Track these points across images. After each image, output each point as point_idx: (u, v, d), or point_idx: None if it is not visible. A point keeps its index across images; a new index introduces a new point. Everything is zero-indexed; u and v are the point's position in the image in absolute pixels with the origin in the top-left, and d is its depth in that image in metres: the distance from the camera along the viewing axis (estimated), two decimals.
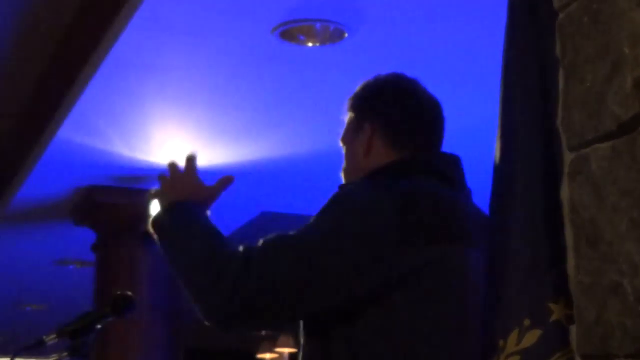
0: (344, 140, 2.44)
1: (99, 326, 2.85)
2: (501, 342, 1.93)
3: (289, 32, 4.60)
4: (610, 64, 1.45)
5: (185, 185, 2.46)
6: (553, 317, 1.85)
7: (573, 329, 1.56)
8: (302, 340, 2.25)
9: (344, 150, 2.44)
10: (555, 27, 1.62)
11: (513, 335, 1.90)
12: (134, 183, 6.93)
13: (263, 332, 5.48)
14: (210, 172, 7.04)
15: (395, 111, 2.38)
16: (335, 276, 2.13)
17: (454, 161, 2.37)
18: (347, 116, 2.45)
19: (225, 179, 2.50)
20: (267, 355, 11.61)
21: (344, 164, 2.44)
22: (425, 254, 2.15)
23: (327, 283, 2.13)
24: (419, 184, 2.26)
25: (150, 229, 2.36)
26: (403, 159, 2.33)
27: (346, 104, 2.47)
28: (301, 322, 2.25)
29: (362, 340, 2.15)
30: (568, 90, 1.56)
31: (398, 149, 2.35)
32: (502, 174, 2.03)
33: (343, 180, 2.42)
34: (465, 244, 2.23)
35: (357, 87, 2.48)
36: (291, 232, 2.19)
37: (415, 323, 2.15)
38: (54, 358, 2.89)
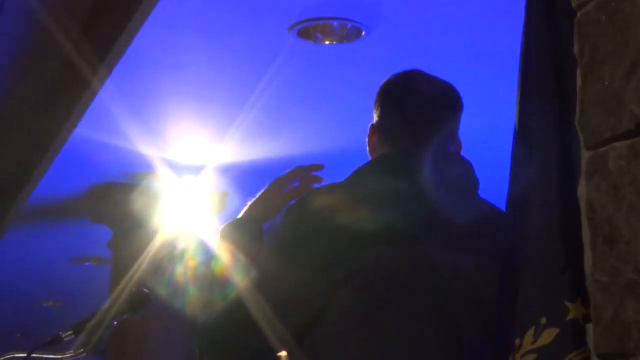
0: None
1: (114, 323, 2.86)
2: (517, 341, 1.92)
3: (306, 30, 4.61)
4: (629, 63, 1.45)
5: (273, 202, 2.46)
6: (570, 316, 1.85)
7: (590, 328, 1.56)
8: None
9: None
10: (573, 26, 1.61)
11: (529, 334, 1.90)
12: (150, 180, 6.94)
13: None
14: (226, 168, 7.07)
15: (386, 110, 2.35)
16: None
17: (433, 157, 2.27)
18: None
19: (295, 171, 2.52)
20: None
21: None
22: (359, 257, 2.10)
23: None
24: (360, 182, 2.24)
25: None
26: (372, 159, 2.34)
27: None
28: None
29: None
30: (586, 89, 1.56)
31: (386, 145, 2.33)
32: (518, 174, 2.03)
33: None
34: (430, 242, 2.15)
35: None
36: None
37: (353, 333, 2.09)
38: (71, 354, 2.90)
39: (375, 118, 2.37)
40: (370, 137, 2.37)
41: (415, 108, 2.33)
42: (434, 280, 2.11)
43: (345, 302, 2.08)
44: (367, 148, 2.39)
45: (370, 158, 2.37)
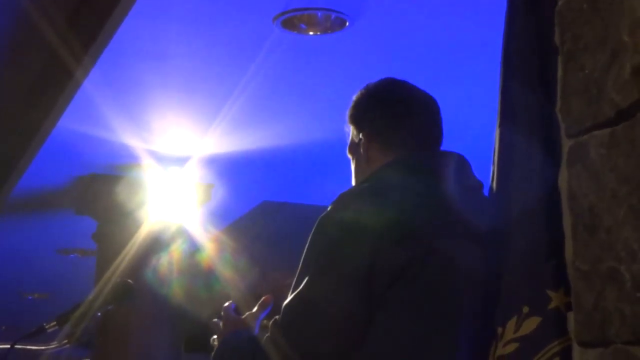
0: (350, 152, 2.47)
1: (99, 314, 2.86)
2: (500, 330, 1.93)
3: (291, 20, 4.60)
4: (610, 52, 1.45)
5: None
6: (552, 305, 1.86)
7: (571, 316, 1.56)
8: None
9: (352, 163, 2.46)
10: (555, 14, 1.61)
11: (511, 323, 1.91)
12: (135, 171, 6.93)
13: (264, 321, 5.46)
14: (211, 160, 7.05)
15: (382, 117, 2.40)
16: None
17: (446, 158, 2.35)
18: (349, 129, 2.48)
19: (262, 302, 2.50)
20: None
21: (353, 176, 2.45)
22: (405, 253, 2.12)
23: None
24: (390, 184, 2.26)
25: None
26: (387, 162, 2.35)
27: (346, 118, 2.49)
28: None
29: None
30: (567, 78, 1.56)
31: (392, 153, 2.36)
32: (500, 163, 2.03)
33: None
34: (453, 240, 2.18)
35: (353, 99, 2.50)
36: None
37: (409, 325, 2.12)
38: (55, 345, 2.90)
39: (368, 128, 2.40)
40: (367, 145, 2.39)
41: (417, 115, 2.40)
42: (464, 280, 2.15)
43: (396, 306, 2.11)
44: (361, 157, 2.40)
45: (365, 166, 2.38)
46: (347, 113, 2.47)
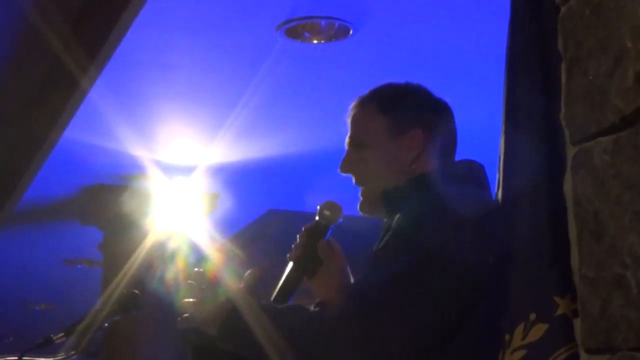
0: (370, 141, 2.42)
1: (106, 324, 2.86)
2: (507, 337, 1.93)
3: (294, 29, 4.61)
4: (613, 58, 1.45)
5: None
6: (559, 312, 1.85)
7: (578, 323, 1.56)
8: None
9: (361, 151, 2.42)
10: (558, 21, 1.62)
11: (519, 330, 1.90)
12: (140, 181, 6.94)
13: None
14: (217, 169, 7.05)
15: (440, 120, 2.43)
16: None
17: (483, 168, 2.40)
18: (361, 116, 2.44)
19: (252, 273, 2.41)
20: None
21: (364, 166, 2.41)
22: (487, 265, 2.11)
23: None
24: (474, 193, 2.28)
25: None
26: (450, 167, 2.38)
27: (362, 103, 2.45)
28: None
29: None
30: (570, 85, 1.57)
31: (439, 157, 2.39)
32: (505, 170, 2.03)
33: (362, 183, 2.41)
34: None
35: (378, 89, 2.47)
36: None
37: None
38: (62, 356, 2.90)
39: (421, 127, 2.39)
40: (422, 143, 2.38)
41: (452, 122, 2.46)
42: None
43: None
44: (403, 152, 2.38)
45: (409, 162, 2.37)
46: (379, 102, 2.43)
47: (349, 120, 2.48)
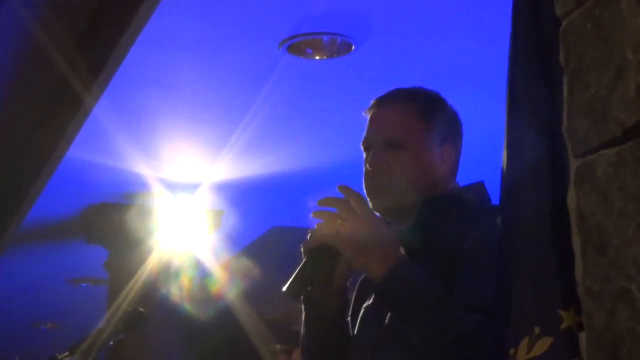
0: (410, 144, 2.37)
1: (111, 343, 2.86)
2: (512, 351, 1.92)
3: (297, 46, 4.62)
4: (614, 70, 1.45)
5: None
6: (564, 325, 1.84)
7: (583, 336, 1.56)
8: None
9: (398, 152, 2.36)
10: (559, 35, 1.62)
11: (524, 344, 1.89)
12: (145, 200, 6.94)
13: (278, 346, 5.46)
14: (221, 187, 7.05)
15: (462, 142, 2.48)
16: None
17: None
18: (400, 116, 2.40)
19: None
20: None
21: (400, 167, 2.35)
22: None
23: None
24: None
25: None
26: (474, 184, 2.44)
27: (399, 102, 2.41)
28: None
29: None
30: (572, 98, 1.56)
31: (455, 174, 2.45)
32: (509, 183, 2.03)
33: (392, 183, 2.35)
34: None
35: (411, 91, 2.46)
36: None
37: None
38: None
39: (452, 143, 2.43)
40: (456, 158, 2.43)
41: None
42: None
43: None
44: (440, 162, 2.39)
45: (444, 174, 2.40)
46: (422, 107, 2.40)
47: (377, 117, 2.42)
